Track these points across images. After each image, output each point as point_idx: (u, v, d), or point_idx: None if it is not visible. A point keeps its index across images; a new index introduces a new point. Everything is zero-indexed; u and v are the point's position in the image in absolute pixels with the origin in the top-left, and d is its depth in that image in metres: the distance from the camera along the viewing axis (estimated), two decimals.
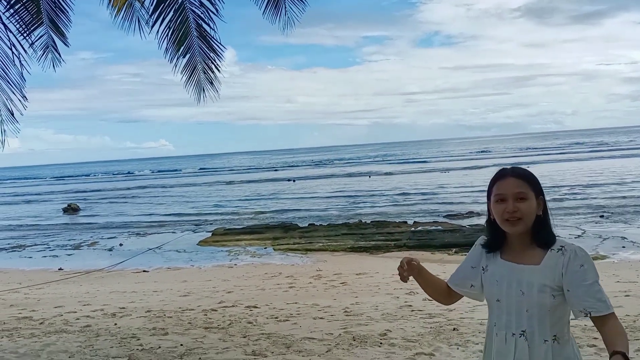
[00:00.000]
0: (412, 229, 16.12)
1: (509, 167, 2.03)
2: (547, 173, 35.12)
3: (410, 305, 7.18)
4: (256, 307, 7.52)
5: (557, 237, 1.96)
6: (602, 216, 16.96)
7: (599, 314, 1.82)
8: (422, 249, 13.17)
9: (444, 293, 2.17)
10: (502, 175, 1.99)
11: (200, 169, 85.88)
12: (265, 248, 15.10)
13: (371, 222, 17.58)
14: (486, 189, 2.03)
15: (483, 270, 2.03)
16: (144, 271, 12.68)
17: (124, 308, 7.89)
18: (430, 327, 5.87)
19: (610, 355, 1.71)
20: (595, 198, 21.16)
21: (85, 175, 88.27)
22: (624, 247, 12.61)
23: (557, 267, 1.89)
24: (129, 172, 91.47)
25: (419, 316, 6.51)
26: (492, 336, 2.02)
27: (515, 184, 1.93)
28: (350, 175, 47.17)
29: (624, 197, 20.58)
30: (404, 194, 27.36)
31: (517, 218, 1.90)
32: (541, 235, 1.95)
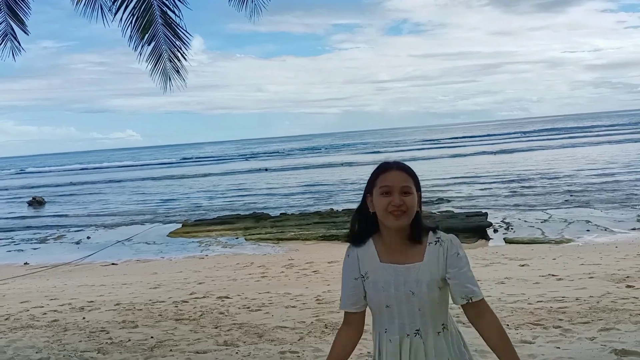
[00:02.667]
0: None
1: (391, 160, 1.99)
2: (514, 159, 35.82)
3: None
4: (228, 298, 7.49)
5: (428, 228, 1.94)
6: (567, 200, 17.40)
7: (478, 299, 1.89)
8: None
9: (352, 335, 2.05)
10: (386, 168, 1.94)
11: (184, 158, 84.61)
12: (237, 238, 15.02)
13: (342, 210, 17.64)
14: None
15: (363, 277, 1.94)
16: (113, 264, 12.48)
17: (92, 302, 7.75)
18: None
19: None
20: (560, 183, 21.67)
21: (50, 167, 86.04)
22: (588, 230, 12.96)
23: (440, 258, 1.90)
24: (91, 165, 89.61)
25: None
26: (383, 343, 1.98)
27: (401, 178, 1.90)
28: (322, 165, 47.20)
29: (588, 183, 21.15)
30: None
31: (402, 211, 1.86)
32: (417, 230, 1.92)
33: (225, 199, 25.81)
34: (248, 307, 6.82)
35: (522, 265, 8.72)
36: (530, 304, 6.01)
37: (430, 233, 1.93)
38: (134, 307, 7.14)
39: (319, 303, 6.77)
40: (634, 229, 12.67)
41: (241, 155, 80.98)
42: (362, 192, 2.02)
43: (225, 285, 8.61)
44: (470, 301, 1.88)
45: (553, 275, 7.62)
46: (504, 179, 24.53)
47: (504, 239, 12.63)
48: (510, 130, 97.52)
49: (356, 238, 1.99)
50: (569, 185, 20.75)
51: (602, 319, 5.18)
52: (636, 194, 17.50)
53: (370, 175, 1.97)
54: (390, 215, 1.87)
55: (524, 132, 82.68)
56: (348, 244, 2.00)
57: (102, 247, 14.95)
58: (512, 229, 13.76)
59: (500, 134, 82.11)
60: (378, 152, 60.30)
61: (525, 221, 14.63)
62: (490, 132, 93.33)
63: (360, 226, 1.99)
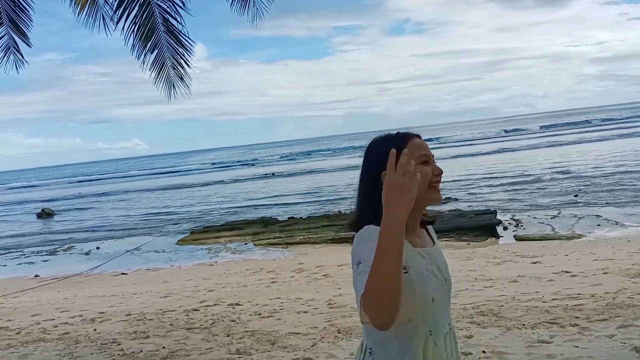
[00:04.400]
0: None
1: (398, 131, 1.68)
2: (522, 156, 35.62)
3: None
4: (239, 305, 7.44)
5: None
6: (576, 196, 17.24)
7: None
8: None
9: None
10: (410, 135, 1.63)
11: (188, 167, 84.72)
12: (246, 244, 14.97)
13: (351, 212, 17.55)
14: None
15: (405, 270, 1.48)
16: (123, 274, 12.47)
17: (103, 313, 7.72)
18: None
19: None
20: (569, 178, 21.50)
21: (59, 179, 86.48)
22: (599, 225, 12.81)
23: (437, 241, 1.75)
24: (98, 175, 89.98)
25: None
26: (429, 350, 1.56)
27: (427, 146, 1.63)
28: (328, 168, 47.18)
29: (596, 177, 20.97)
30: None
31: (440, 183, 1.62)
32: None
33: (233, 205, 25.79)
34: (259, 314, 6.77)
35: (534, 263, 8.62)
36: (545, 302, 5.93)
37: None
38: (145, 317, 7.11)
39: (330, 307, 6.71)
40: None
41: (247, 161, 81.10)
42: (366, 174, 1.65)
43: (235, 292, 8.56)
44: None
45: (566, 271, 7.52)
46: (513, 176, 24.37)
47: (514, 236, 12.51)
48: (516, 126, 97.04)
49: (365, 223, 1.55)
50: (577, 180, 20.57)
51: (620, 315, 5.08)
52: None
53: (384, 148, 1.51)
54: (433, 188, 1.59)
55: (530, 129, 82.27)
56: (375, 227, 1.46)
57: (111, 257, 14.95)
58: (522, 225, 13.63)
59: (507, 131, 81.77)
60: None
61: (534, 217, 14.50)
62: (496, 129, 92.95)
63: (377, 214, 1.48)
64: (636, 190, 16.90)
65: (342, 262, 10.46)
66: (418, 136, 1.65)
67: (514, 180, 22.89)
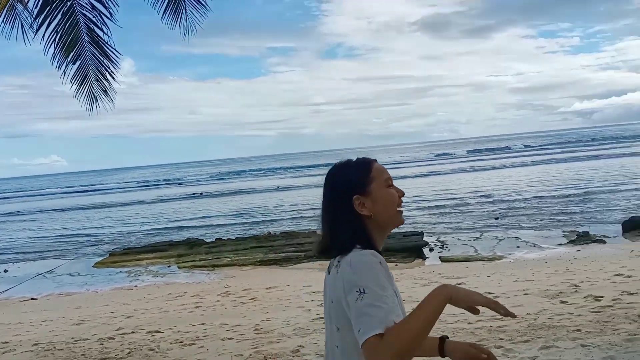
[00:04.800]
0: None
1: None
2: (446, 180, 36.91)
3: (322, 318, 7.02)
4: (159, 332, 7.03)
5: None
6: (497, 218, 17.96)
7: None
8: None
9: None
10: (371, 161, 1.67)
11: (110, 186, 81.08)
12: (169, 266, 14.37)
13: (280, 233, 17.35)
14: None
15: (396, 294, 1.49)
16: (32, 299, 11.54)
17: (7, 342, 7.06)
18: None
19: None
20: (490, 202, 22.42)
21: None
22: (518, 246, 13.36)
23: None
24: (10, 193, 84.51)
25: None
26: None
27: (386, 169, 1.68)
28: (258, 187, 46.74)
29: (516, 201, 22.01)
30: (312, 205, 27.41)
31: None
32: None
33: (157, 226, 24.84)
34: (181, 342, 6.41)
35: (459, 284, 8.77)
36: (470, 323, 5.98)
37: None
38: (54, 347, 6.55)
39: (257, 333, 6.46)
40: (560, 244, 13.18)
41: (174, 179, 78.91)
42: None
43: (156, 318, 8.10)
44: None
45: (489, 292, 7.68)
46: (439, 199, 25.12)
47: (440, 257, 12.79)
48: (441, 151, 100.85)
49: (347, 248, 1.53)
50: (498, 204, 21.48)
51: (542, 336, 5.20)
52: (561, 211, 18.33)
53: (351, 173, 1.62)
54: (399, 212, 1.63)
55: (454, 154, 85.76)
56: (371, 252, 1.48)
57: (20, 280, 13.86)
58: (447, 247, 13.98)
59: (431, 156, 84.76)
60: (313, 175, 60.52)
61: (459, 239, 14.93)
62: (422, 153, 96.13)
63: (363, 233, 1.56)
64: (552, 214, 17.85)
65: (271, 285, 10.21)
66: (376, 161, 1.70)
67: (440, 203, 23.60)
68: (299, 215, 23.58)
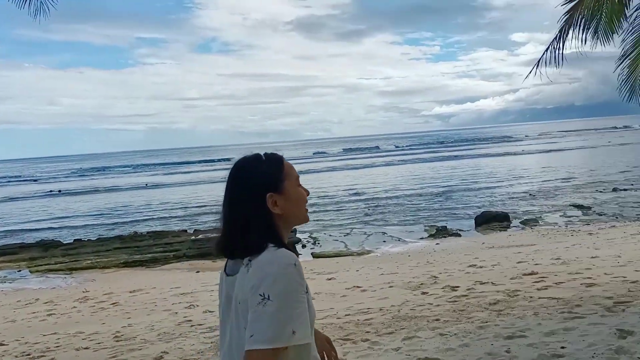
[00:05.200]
0: (193, 237, 15.56)
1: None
2: (320, 178, 37.76)
3: (190, 321, 6.74)
4: (2, 345, 6.26)
5: None
6: (366, 214, 18.70)
7: None
8: (203, 257, 12.76)
9: None
10: (281, 157, 1.63)
11: None
12: (19, 271, 13.00)
13: (147, 233, 16.50)
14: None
15: (307, 291, 1.48)
16: None
17: None
18: (211, 342, 5.53)
19: None
20: (361, 200, 23.31)
21: None
22: (384, 241, 14.00)
23: None
24: None
25: (199, 331, 6.12)
26: None
27: None
28: (124, 185, 44.16)
29: (383, 198, 23.12)
30: (183, 204, 26.46)
31: None
32: None
33: (5, 228, 22.39)
34: (28, 355, 5.76)
35: (329, 279, 8.93)
36: (339, 318, 6.08)
37: None
38: None
39: (117, 341, 6.00)
40: (422, 239, 14.05)
41: (28, 176, 71.87)
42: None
43: (0, 329, 7.22)
44: None
45: (358, 286, 7.91)
46: (312, 196, 25.51)
47: (312, 253, 12.98)
48: (316, 149, 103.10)
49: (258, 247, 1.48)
50: (368, 201, 22.40)
51: (404, 327, 5.41)
52: (424, 207, 19.57)
53: (263, 170, 1.55)
54: (306, 211, 1.63)
55: (326, 152, 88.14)
56: (286, 253, 1.46)
57: None
58: (318, 243, 14.24)
59: (309, 154, 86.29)
60: (185, 172, 58.65)
61: (330, 235, 15.30)
62: (298, 151, 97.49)
63: (275, 231, 1.52)
64: (415, 210, 18.98)
65: (135, 288, 9.62)
66: (284, 157, 1.65)
67: (313, 200, 24.02)
68: (169, 215, 22.62)
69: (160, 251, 13.69)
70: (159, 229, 17.97)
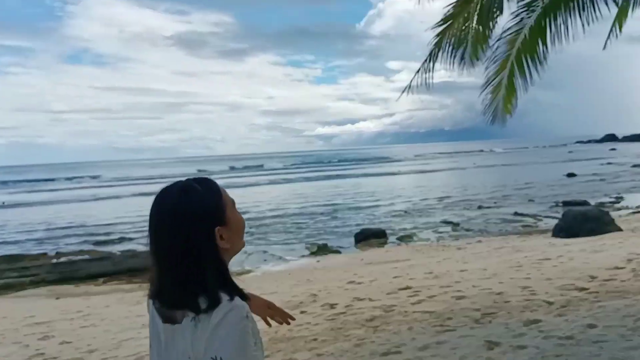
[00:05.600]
0: (54, 260, 14.12)
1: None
2: None
3: (43, 354, 6.00)
4: None
5: None
6: (246, 233, 18.32)
7: None
8: (64, 282, 11.67)
9: None
10: (215, 182, 1.45)
11: None
12: None
13: (0, 256, 14.73)
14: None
15: (260, 340, 1.36)
16: None
17: None
18: None
19: None
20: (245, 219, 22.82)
21: None
22: (265, 260, 13.76)
23: None
24: None
25: None
26: None
27: None
28: None
29: (266, 217, 22.89)
30: (46, 225, 24.15)
31: None
32: None
33: None
34: None
35: None
36: None
37: None
38: None
39: None
40: (303, 256, 14.01)
41: None
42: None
43: None
44: None
45: None
46: None
47: None
48: (198, 167, 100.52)
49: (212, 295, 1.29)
50: (251, 221, 22.01)
51: (281, 349, 5.19)
52: (305, 226, 19.63)
53: (204, 200, 1.34)
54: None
55: (207, 170, 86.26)
56: (240, 310, 1.28)
57: None
58: None
59: (194, 171, 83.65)
60: (51, 190, 54.05)
61: None
62: (178, 169, 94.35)
63: (226, 273, 1.35)
64: (298, 229, 18.98)
65: None
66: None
67: None
68: (29, 238, 20.48)
69: (15, 276, 12.25)
70: (14, 252, 16.16)
